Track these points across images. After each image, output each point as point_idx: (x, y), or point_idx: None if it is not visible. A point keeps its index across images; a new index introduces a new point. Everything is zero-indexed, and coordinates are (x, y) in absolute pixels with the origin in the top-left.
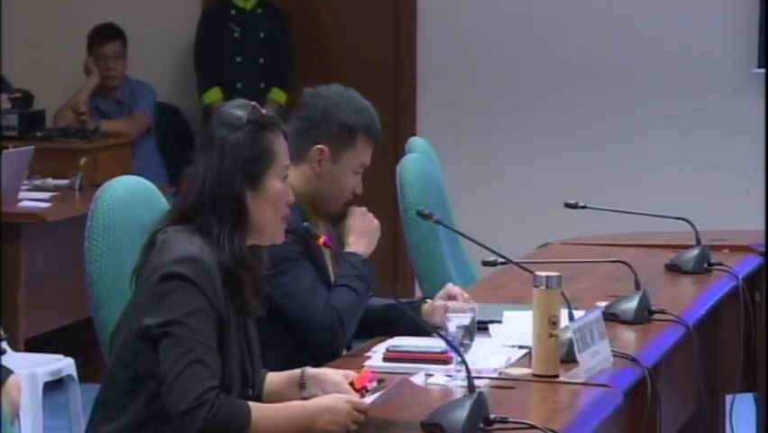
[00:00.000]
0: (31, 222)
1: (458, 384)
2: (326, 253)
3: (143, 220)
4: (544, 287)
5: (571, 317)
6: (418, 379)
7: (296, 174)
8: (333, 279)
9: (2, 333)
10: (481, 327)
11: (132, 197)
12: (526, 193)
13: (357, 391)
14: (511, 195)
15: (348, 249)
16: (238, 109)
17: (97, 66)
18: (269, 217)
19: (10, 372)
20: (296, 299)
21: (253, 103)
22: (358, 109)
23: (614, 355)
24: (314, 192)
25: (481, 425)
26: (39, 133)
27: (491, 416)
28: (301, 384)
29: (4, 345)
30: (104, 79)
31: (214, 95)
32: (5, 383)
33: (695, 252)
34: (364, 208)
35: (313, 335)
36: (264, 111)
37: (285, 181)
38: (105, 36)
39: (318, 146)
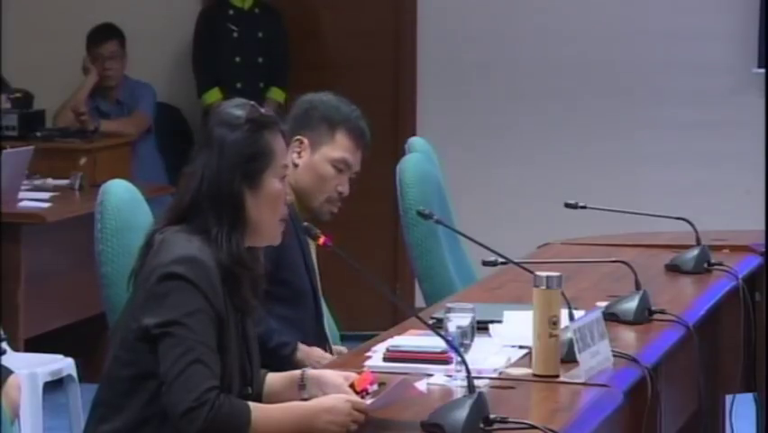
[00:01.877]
0: (31, 222)
1: (458, 384)
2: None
3: (143, 223)
4: (544, 287)
5: (571, 317)
6: (421, 385)
7: None
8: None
9: (2, 333)
10: (481, 327)
11: (134, 199)
12: (526, 193)
13: (357, 393)
14: (511, 195)
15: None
16: (237, 108)
17: (95, 66)
18: (267, 217)
19: (10, 372)
20: None
21: (252, 102)
22: (340, 106)
23: (614, 355)
24: (296, 186)
25: (481, 425)
26: (39, 133)
27: (491, 416)
28: (301, 385)
29: (4, 345)
30: (101, 79)
31: (214, 95)
32: (5, 383)
33: (695, 252)
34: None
35: None
36: (263, 110)
37: (283, 181)
38: (103, 36)
39: (297, 137)
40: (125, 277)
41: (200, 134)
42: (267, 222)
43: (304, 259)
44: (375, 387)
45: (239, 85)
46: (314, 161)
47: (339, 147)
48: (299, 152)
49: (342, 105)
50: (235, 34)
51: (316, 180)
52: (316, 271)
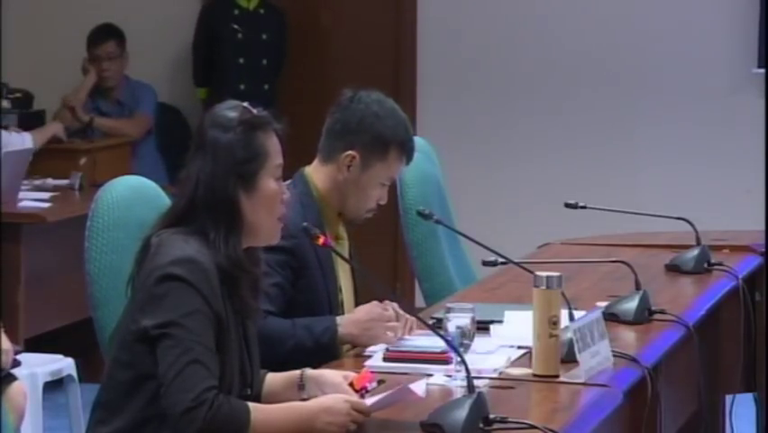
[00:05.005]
0: (31, 222)
1: (458, 384)
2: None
3: (144, 220)
4: (544, 287)
5: (571, 317)
6: (419, 388)
7: (321, 173)
8: (340, 280)
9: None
10: (482, 327)
11: (134, 196)
12: (526, 193)
13: (357, 391)
14: (511, 195)
15: (339, 320)
16: (230, 110)
17: (93, 66)
18: (263, 218)
19: (14, 378)
20: None
21: (244, 104)
22: (396, 123)
23: (614, 355)
24: (338, 195)
25: (481, 425)
26: None
27: (491, 416)
28: (300, 385)
29: (18, 357)
30: (100, 80)
31: (203, 93)
32: (10, 390)
33: (695, 252)
34: (390, 312)
35: None
36: (255, 111)
37: (279, 181)
38: (101, 37)
39: (350, 152)
40: (108, 275)
41: (194, 137)
42: (264, 222)
43: (323, 276)
44: (374, 385)
45: (242, 86)
46: (363, 180)
47: (389, 167)
48: (349, 167)
49: (396, 118)
50: (240, 35)
51: (362, 198)
52: (340, 287)
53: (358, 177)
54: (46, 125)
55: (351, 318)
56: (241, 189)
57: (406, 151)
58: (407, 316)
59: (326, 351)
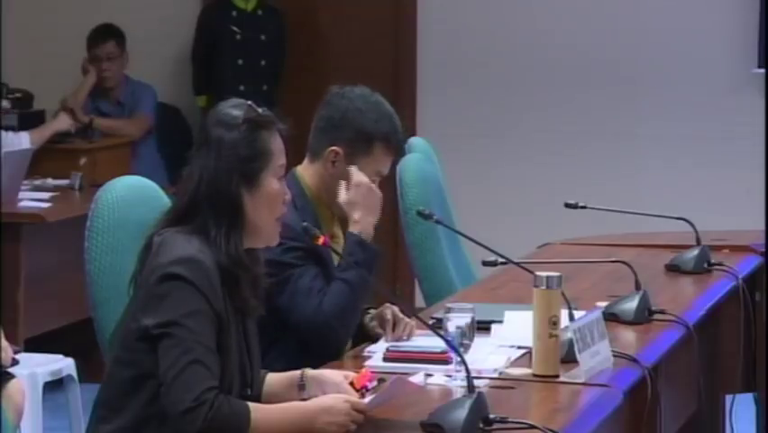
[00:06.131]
0: (31, 222)
1: (458, 384)
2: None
3: (144, 220)
4: (544, 287)
5: (571, 318)
6: (417, 379)
7: (311, 171)
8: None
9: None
10: (482, 327)
11: (134, 196)
12: (526, 193)
13: (357, 391)
14: (511, 195)
15: (350, 228)
16: (234, 109)
17: (93, 66)
18: (265, 217)
19: (12, 376)
20: (291, 302)
21: (249, 102)
22: (380, 117)
23: (614, 355)
24: (326, 192)
25: (481, 425)
26: None
27: (491, 416)
28: (301, 385)
29: (18, 356)
30: (100, 80)
31: (202, 101)
32: (9, 388)
33: (695, 252)
34: (366, 180)
35: (306, 337)
36: (260, 110)
37: (281, 180)
38: (101, 37)
39: (333, 147)
40: (108, 275)
41: (198, 135)
42: (265, 222)
43: (324, 275)
44: (374, 383)
45: (242, 87)
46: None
47: (375, 161)
48: (334, 162)
49: (380, 111)
50: (238, 36)
51: None
52: None
53: (343, 172)
54: (50, 121)
55: (357, 220)
56: (243, 188)
57: (393, 144)
58: (407, 319)
59: (371, 264)
